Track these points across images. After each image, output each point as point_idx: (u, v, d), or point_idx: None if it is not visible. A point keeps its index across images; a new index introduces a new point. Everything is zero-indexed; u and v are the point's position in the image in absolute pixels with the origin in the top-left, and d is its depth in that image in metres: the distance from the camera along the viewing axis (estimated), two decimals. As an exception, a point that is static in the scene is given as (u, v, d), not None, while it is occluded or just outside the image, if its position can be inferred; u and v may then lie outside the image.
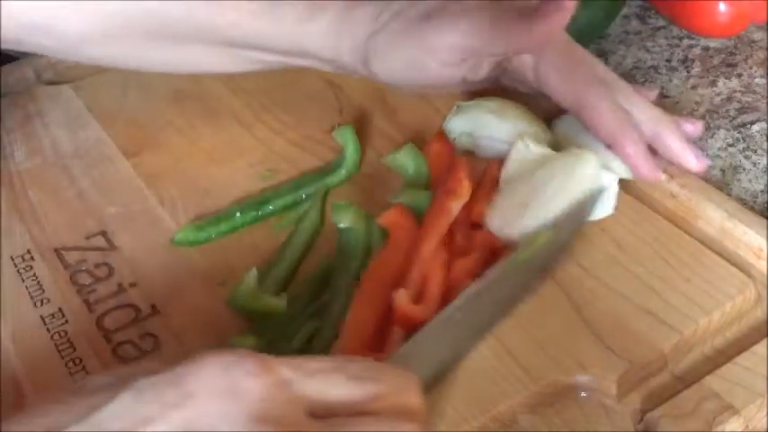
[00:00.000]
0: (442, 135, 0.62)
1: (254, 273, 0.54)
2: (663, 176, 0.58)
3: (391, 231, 0.56)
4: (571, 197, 0.54)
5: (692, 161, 0.58)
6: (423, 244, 0.54)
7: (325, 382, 0.40)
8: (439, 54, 0.56)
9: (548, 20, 0.54)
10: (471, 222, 0.56)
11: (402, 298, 0.50)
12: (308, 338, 0.51)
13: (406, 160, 0.61)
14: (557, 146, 0.59)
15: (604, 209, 0.57)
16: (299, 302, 0.53)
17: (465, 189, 0.55)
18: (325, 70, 0.62)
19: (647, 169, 0.57)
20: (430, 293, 0.52)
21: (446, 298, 0.51)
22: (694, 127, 0.62)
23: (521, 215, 0.53)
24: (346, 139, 0.63)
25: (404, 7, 0.58)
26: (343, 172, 0.62)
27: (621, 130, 0.57)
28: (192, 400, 0.37)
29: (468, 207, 0.56)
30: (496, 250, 0.54)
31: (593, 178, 0.56)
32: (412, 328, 0.49)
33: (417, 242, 0.54)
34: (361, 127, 0.66)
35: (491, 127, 0.61)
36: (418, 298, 0.51)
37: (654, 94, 0.63)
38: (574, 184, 0.55)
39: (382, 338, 0.50)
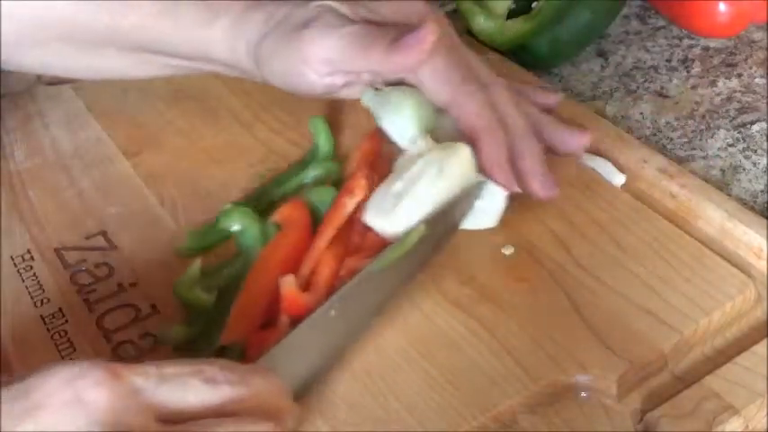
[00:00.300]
0: (375, 135, 0.61)
1: (197, 264, 0.55)
2: (517, 189, 0.55)
3: (284, 225, 0.56)
4: (444, 192, 0.54)
5: (536, 187, 0.55)
6: (318, 237, 0.54)
7: (181, 386, 0.40)
8: (311, 64, 0.56)
9: (405, 54, 0.54)
10: None
11: (288, 284, 0.50)
12: None
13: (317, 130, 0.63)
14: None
15: (488, 219, 0.55)
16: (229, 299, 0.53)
17: (361, 188, 0.55)
18: (234, 75, 0.63)
19: (502, 177, 0.55)
20: (318, 282, 0.52)
21: (333, 292, 0.51)
22: (553, 97, 0.62)
23: (394, 207, 0.53)
24: (318, 130, 0.63)
25: (288, 14, 0.58)
26: (315, 164, 0.62)
27: (484, 133, 0.55)
28: (40, 411, 0.37)
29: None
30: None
31: (467, 174, 0.55)
32: (298, 315, 0.49)
33: (315, 236, 0.54)
34: (360, 125, 0.66)
35: (386, 119, 0.60)
36: (306, 287, 0.51)
37: (555, 98, 0.62)
38: (447, 179, 0.54)
39: (270, 327, 0.50)
